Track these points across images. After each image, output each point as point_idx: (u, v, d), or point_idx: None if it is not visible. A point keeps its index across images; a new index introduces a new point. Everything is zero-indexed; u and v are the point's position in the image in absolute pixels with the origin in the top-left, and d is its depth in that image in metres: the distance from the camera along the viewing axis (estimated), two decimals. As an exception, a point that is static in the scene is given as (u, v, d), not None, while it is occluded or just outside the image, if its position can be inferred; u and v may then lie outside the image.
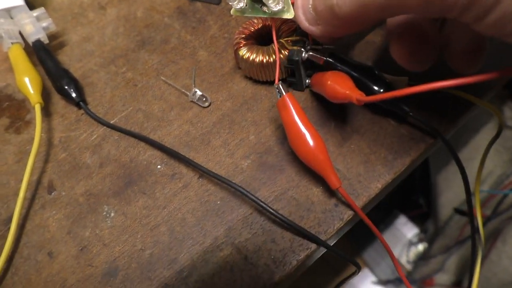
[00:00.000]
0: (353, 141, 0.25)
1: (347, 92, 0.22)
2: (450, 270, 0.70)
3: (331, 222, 0.23)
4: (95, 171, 0.26)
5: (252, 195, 0.23)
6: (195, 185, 0.25)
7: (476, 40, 0.21)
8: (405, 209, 0.87)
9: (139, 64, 0.31)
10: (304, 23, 0.21)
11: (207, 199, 0.24)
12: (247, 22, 0.29)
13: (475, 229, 0.27)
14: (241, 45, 0.28)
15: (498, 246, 0.60)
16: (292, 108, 0.22)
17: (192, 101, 0.28)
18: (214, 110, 0.28)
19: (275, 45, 0.24)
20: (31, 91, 0.27)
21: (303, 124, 0.22)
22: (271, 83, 0.28)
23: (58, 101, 0.29)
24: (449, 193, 0.69)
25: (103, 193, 0.25)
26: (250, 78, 0.28)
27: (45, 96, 0.29)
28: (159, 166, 0.26)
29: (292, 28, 0.27)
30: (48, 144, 0.27)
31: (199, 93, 0.28)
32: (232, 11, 0.23)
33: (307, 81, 0.27)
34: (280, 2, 0.21)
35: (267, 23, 0.28)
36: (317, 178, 0.24)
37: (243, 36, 0.28)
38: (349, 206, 0.23)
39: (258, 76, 0.28)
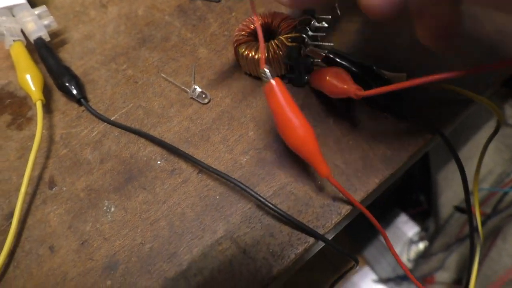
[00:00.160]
0: (351, 136, 0.25)
1: (345, 86, 0.22)
2: (451, 268, 0.70)
3: (329, 217, 0.23)
4: (96, 167, 0.26)
5: (251, 190, 0.23)
6: (194, 180, 0.25)
7: (451, 14, 0.20)
8: (406, 208, 0.87)
9: (139, 62, 0.31)
10: None
11: (206, 194, 0.24)
12: (247, 20, 0.29)
13: (473, 227, 0.27)
14: (241, 42, 0.28)
15: (498, 244, 0.60)
16: (280, 94, 0.21)
17: (192, 98, 0.28)
18: (214, 106, 0.28)
19: (259, 32, 0.22)
20: (33, 88, 0.28)
21: (291, 111, 0.21)
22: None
23: (59, 98, 0.30)
24: (450, 191, 0.70)
25: (103, 189, 0.25)
26: (250, 75, 0.29)
27: (47, 93, 0.30)
28: (159, 162, 0.26)
29: (291, 25, 0.27)
30: (50, 140, 0.28)
31: (198, 90, 0.28)
32: None
33: (306, 77, 0.27)
34: None
35: (267, 20, 0.29)
36: (315, 173, 0.24)
37: (243, 33, 0.28)
38: (346, 200, 0.23)
39: (258, 72, 0.28)
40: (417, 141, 0.25)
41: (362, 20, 0.31)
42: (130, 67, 0.31)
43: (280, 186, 0.24)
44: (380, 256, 0.84)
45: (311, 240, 0.22)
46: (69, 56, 0.32)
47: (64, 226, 0.24)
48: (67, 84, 0.29)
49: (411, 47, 0.29)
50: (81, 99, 0.29)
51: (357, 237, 0.85)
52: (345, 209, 0.23)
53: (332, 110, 0.27)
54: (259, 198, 0.22)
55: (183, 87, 0.29)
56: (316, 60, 0.26)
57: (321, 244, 0.23)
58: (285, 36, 0.27)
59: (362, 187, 0.24)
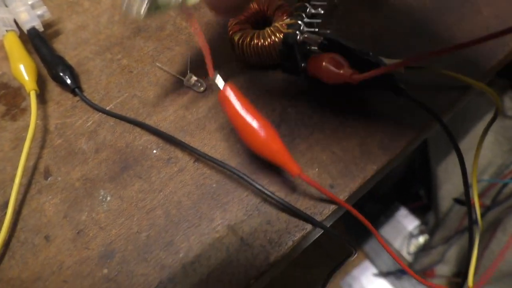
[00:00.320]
0: (349, 124, 0.25)
1: (341, 71, 0.22)
2: (451, 261, 0.70)
3: (326, 204, 0.23)
4: (91, 157, 0.26)
5: (248, 177, 0.23)
6: (190, 169, 0.25)
7: None
8: (405, 202, 0.87)
9: (134, 51, 0.31)
10: None
11: (202, 182, 0.24)
12: (242, 8, 0.29)
13: (472, 220, 0.27)
14: (236, 30, 0.28)
15: (498, 236, 0.60)
16: (235, 100, 0.20)
17: (187, 87, 0.28)
18: (210, 95, 0.28)
19: (200, 37, 0.22)
20: (26, 78, 0.27)
21: (249, 115, 0.20)
22: (267, 67, 0.28)
23: (53, 89, 0.29)
24: (449, 184, 0.69)
25: (99, 178, 0.25)
26: (246, 63, 0.28)
27: (41, 83, 0.29)
28: (154, 151, 0.26)
29: (287, 12, 0.27)
30: (44, 130, 0.27)
31: (194, 78, 0.28)
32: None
33: (302, 64, 0.27)
34: None
35: (262, 7, 0.28)
36: (313, 160, 0.24)
37: (238, 21, 0.28)
38: (343, 187, 0.23)
39: (254, 61, 0.27)
40: (415, 128, 0.25)
41: (358, 6, 0.30)
42: (125, 56, 0.30)
43: (277, 174, 0.24)
44: (380, 249, 0.84)
45: (309, 227, 0.22)
46: (63, 46, 0.32)
47: (60, 215, 0.24)
48: (61, 74, 0.28)
49: (409, 34, 0.28)
50: (75, 89, 0.28)
51: (356, 231, 0.85)
52: (342, 196, 0.23)
53: (329, 98, 0.26)
54: (256, 185, 0.22)
55: (178, 76, 0.28)
56: (312, 47, 0.26)
57: (318, 232, 0.23)
58: (280, 23, 0.26)
59: (360, 173, 0.23)
